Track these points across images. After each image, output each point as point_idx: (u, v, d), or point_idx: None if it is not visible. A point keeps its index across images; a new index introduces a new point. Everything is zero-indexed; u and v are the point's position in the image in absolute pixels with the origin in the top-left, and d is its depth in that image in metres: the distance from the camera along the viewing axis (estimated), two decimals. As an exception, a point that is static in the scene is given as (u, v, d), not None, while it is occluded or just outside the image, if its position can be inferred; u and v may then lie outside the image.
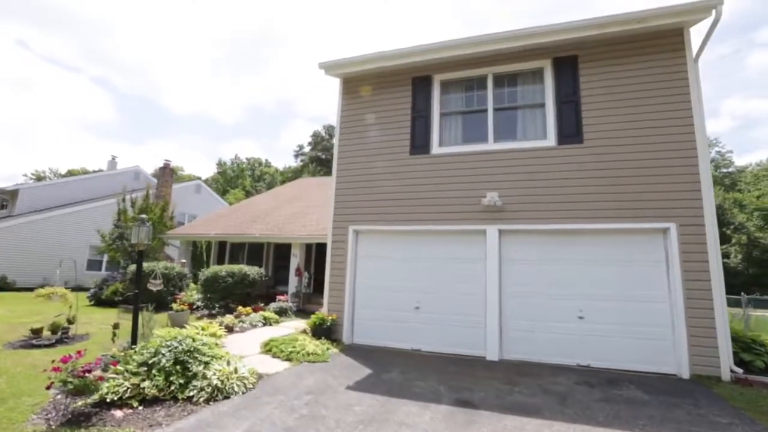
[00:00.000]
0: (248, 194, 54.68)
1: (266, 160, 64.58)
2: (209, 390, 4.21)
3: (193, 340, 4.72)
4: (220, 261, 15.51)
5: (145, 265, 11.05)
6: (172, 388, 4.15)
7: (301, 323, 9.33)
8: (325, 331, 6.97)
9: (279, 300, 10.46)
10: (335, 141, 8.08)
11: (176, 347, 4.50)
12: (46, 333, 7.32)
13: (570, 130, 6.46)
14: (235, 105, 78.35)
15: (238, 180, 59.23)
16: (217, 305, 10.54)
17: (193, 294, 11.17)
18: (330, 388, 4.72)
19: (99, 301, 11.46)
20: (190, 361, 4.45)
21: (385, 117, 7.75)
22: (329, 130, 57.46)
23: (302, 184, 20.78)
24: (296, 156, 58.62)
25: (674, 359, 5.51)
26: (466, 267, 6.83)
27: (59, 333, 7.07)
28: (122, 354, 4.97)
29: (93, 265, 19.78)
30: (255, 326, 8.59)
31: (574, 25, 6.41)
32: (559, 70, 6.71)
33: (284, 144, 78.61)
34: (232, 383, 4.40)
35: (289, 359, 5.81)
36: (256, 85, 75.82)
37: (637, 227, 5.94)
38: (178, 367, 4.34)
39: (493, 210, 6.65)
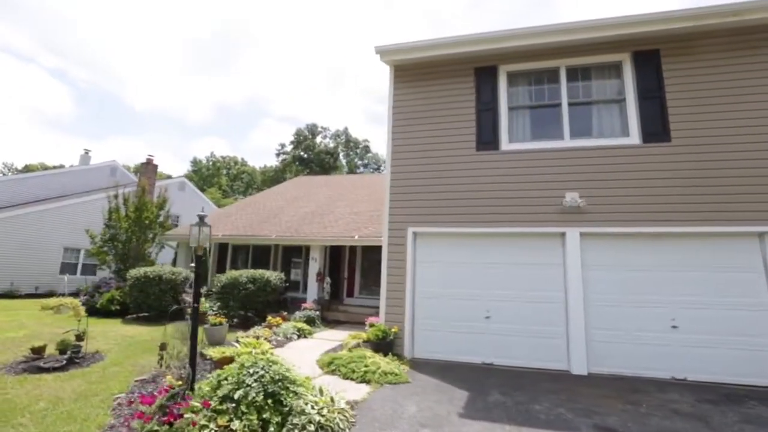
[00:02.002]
0: (225, 193, 52.31)
1: (242, 158, 62.32)
2: (312, 429, 3.40)
3: (277, 365, 3.87)
4: (221, 265, 14.29)
5: (147, 269, 9.82)
6: (271, 429, 3.31)
7: (339, 334, 8.52)
8: (388, 346, 6.22)
9: (305, 308, 9.55)
10: (387, 134, 7.35)
11: (262, 375, 3.65)
12: (50, 352, 6.15)
13: (655, 128, 6.09)
14: (203, 103, 75.63)
15: (214, 179, 56.64)
16: (232, 314, 9.49)
17: (204, 302, 10.03)
18: (440, 417, 4.02)
19: (92, 311, 10.01)
20: (282, 392, 3.61)
21: (445, 109, 7.12)
22: (312, 129, 56.10)
23: (302, 182, 19.72)
24: (278, 155, 56.69)
25: (782, 371, 5.21)
26: (541, 273, 6.31)
27: (69, 352, 5.90)
28: (180, 383, 4.05)
29: (67, 268, 17.79)
30: (290, 339, 7.69)
31: (655, 17, 6.06)
32: (639, 64, 6.35)
33: (254, 144, 76.56)
34: (335, 418, 3.61)
35: (365, 381, 5.04)
36: (225, 84, 73.57)
37: (730, 231, 5.64)
38: (269, 400, 3.50)
39: (572, 211, 6.17)
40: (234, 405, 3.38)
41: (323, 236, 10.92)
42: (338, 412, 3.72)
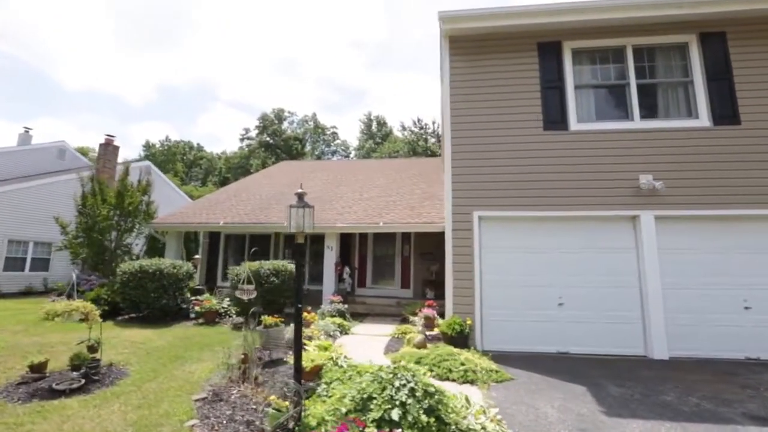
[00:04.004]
0: (182, 181, 48.40)
1: (198, 144, 58.18)
2: (485, 448, 2.84)
3: (420, 374, 3.22)
4: (212, 257, 12.91)
5: (143, 263, 8.43)
6: (447, 453, 2.69)
7: (375, 328, 7.94)
8: (464, 339, 5.74)
9: (332, 301, 8.77)
10: (445, 112, 6.71)
11: (413, 389, 2.99)
12: (52, 367, 4.95)
13: (725, 111, 6.06)
14: (142, 84, 69.19)
15: (169, 165, 52.20)
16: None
17: (212, 298, 8.85)
18: (587, 418, 3.62)
19: (71, 315, 8.48)
20: (440, 407, 2.98)
21: (507, 86, 6.63)
22: (278, 114, 53.36)
23: (289, 168, 18.38)
24: (242, 140, 53.42)
25: None
26: (613, 257, 6.13)
27: (83, 368, 4.74)
28: (286, 404, 3.26)
29: (12, 264, 15.20)
30: (333, 336, 6.92)
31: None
32: (706, 46, 6.27)
33: (204, 129, 71.71)
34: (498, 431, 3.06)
35: (467, 381, 4.51)
36: (167, 64, 67.73)
37: (798, 213, 5.76)
38: (432, 419, 2.86)
39: (646, 194, 6.01)
40: (399, 429, 2.70)
41: (342, 223, 10.08)
42: (497, 423, 3.17)
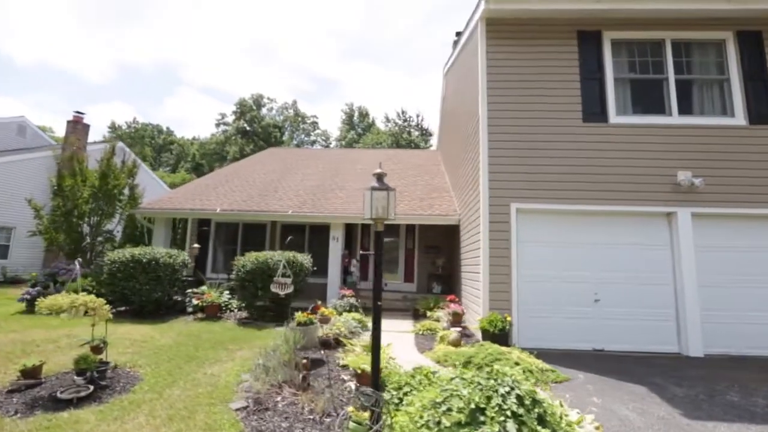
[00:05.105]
0: (152, 166, 45.69)
1: (168, 128, 55.16)
2: (600, 461, 2.55)
3: (518, 380, 2.89)
4: (202, 248, 12.02)
5: (135, 251, 7.61)
6: (573, 471, 2.38)
7: (391, 323, 7.56)
8: (504, 337, 5.48)
9: (344, 296, 8.30)
10: (481, 99, 6.35)
11: (520, 396, 2.65)
12: (48, 370, 4.26)
13: (761, 110, 6.09)
14: (103, 61, 64.87)
15: (136, 149, 49.05)
16: (259, 305, 7.85)
17: (212, 291, 8.14)
18: (670, 421, 3.44)
19: (50, 309, 7.52)
20: (548, 417, 2.67)
21: (545, 74, 6.36)
22: (257, 100, 51.33)
23: (280, 155, 17.47)
24: (217, 125, 51.07)
25: None
26: (648, 254, 6.06)
27: (89, 373, 4.06)
28: (366, 416, 2.84)
29: (-34, 252, 13.61)
30: (355, 333, 6.48)
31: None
32: (743, 44, 6.27)
33: (170, 114, 68.16)
34: (604, 441, 2.79)
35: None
36: (131, 42, 63.76)
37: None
38: (546, 430, 2.54)
39: (683, 191, 5.96)
40: (522, 445, 2.36)
41: (353, 212, 9.58)
42: (600, 433, 2.90)
